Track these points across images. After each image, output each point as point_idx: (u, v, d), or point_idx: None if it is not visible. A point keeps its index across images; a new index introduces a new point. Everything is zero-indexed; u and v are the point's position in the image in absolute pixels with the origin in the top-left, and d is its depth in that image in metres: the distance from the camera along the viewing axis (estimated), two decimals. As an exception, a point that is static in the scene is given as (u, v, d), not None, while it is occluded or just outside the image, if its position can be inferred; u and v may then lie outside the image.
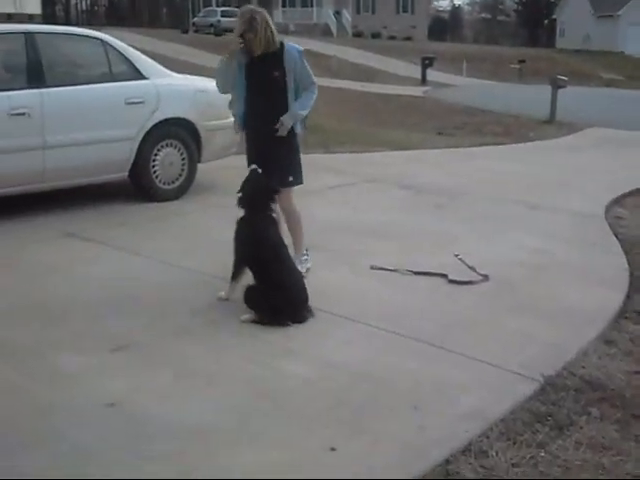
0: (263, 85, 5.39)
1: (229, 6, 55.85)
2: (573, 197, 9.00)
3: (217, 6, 56.42)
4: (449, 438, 3.48)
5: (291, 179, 5.57)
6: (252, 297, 4.76)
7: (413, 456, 3.33)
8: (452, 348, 4.44)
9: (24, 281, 5.42)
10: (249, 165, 5.37)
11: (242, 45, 5.26)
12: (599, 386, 4.08)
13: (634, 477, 3.29)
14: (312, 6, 59.27)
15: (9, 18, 38.59)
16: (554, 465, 3.33)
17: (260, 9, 5.35)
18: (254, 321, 4.69)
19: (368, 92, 26.02)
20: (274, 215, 5.12)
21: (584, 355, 4.48)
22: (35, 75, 6.96)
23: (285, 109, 5.40)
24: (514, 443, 3.48)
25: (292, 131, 5.50)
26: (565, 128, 16.55)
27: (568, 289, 5.68)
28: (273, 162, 5.41)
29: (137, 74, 7.70)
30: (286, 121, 5.38)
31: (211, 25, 50.19)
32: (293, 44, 5.46)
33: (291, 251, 5.27)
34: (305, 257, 5.70)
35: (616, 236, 7.25)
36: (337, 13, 59.19)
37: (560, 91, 17.77)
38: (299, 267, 5.35)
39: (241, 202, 5.01)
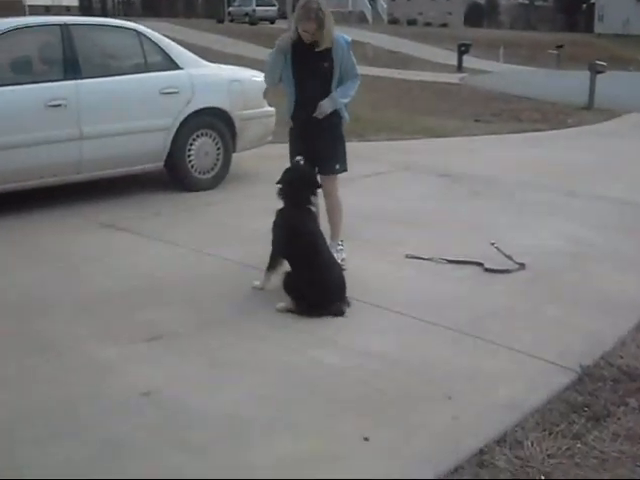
0: (312, 75, 5.36)
1: (264, -5, 55.82)
2: (612, 184, 8.88)
3: (252, -5, 56.39)
4: (484, 428, 3.45)
5: (337, 167, 5.58)
6: (290, 284, 4.74)
7: (447, 446, 3.31)
8: (487, 337, 4.41)
9: (60, 271, 5.47)
10: (292, 155, 5.36)
11: (299, 36, 5.21)
12: (637, 376, 4.02)
13: (673, 469, 3.24)
14: (347, -6, 59.03)
15: (47, 10, 39.09)
16: (590, 456, 3.29)
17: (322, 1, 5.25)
18: (289, 310, 4.69)
19: (404, 79, 25.86)
20: (313, 209, 5.09)
21: (622, 345, 4.42)
22: (71, 66, 7.01)
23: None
24: (550, 434, 3.44)
25: (339, 119, 5.52)
26: (604, 114, 16.32)
27: (606, 277, 5.61)
28: (320, 150, 5.44)
29: (172, 64, 7.72)
30: (324, 106, 5.35)
31: (246, 14, 50.25)
32: (341, 34, 5.41)
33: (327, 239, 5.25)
34: (340, 247, 5.68)
35: (656, 223, 7.15)
36: (372, 0, 58.92)
37: (599, 76, 17.52)
38: (335, 255, 5.34)
39: (282, 193, 4.96)
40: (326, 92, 5.37)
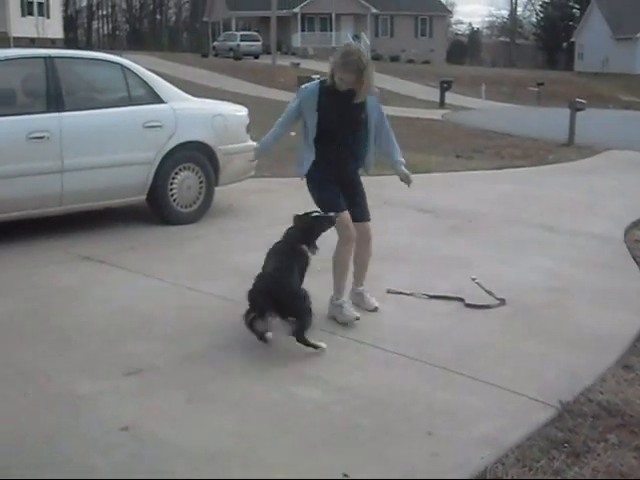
0: (352, 125, 5.29)
1: (249, 30, 56.38)
2: (592, 220, 8.95)
3: (237, 30, 56.89)
4: (464, 464, 3.44)
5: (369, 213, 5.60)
6: None
7: (427, 483, 3.30)
8: (468, 373, 4.40)
9: (39, 304, 5.43)
10: (332, 202, 5.25)
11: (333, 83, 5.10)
12: (617, 412, 4.03)
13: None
14: (331, 30, 59.67)
15: (32, 43, 39.16)
16: (570, 493, 3.29)
17: (362, 49, 5.18)
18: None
19: (387, 115, 26.02)
20: (309, 255, 4.94)
21: (602, 380, 4.43)
22: (54, 99, 7.02)
23: (366, 148, 5.46)
24: (530, 470, 3.43)
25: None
26: (584, 151, 16.47)
27: (586, 313, 5.63)
28: (359, 197, 5.51)
29: (155, 98, 7.75)
30: (407, 174, 5.72)
31: (231, 49, 50.70)
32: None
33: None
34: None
35: (635, 259, 7.19)
36: (356, 37, 59.41)
37: (579, 114, 17.71)
38: (370, 300, 5.47)
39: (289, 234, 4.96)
40: (363, 142, 5.40)
